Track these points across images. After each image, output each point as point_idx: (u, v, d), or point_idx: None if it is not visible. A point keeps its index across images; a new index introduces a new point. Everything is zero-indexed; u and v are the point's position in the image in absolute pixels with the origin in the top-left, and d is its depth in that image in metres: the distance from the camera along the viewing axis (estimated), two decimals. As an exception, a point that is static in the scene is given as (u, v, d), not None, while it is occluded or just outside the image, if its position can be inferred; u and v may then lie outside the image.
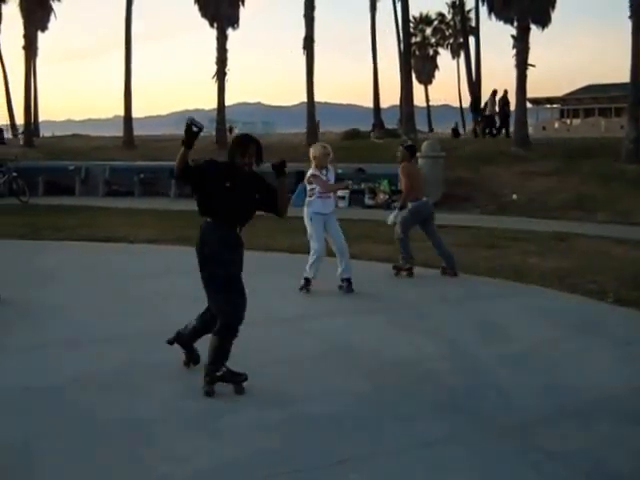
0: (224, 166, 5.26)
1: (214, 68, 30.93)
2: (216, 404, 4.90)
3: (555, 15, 26.43)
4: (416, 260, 9.96)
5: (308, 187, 8.66)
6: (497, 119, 28.96)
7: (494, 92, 29.24)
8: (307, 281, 8.50)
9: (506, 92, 28.01)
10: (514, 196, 19.35)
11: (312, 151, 8.68)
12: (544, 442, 4.35)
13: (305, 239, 9.08)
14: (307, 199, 8.66)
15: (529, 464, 4.07)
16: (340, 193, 19.63)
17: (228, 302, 5.07)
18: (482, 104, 30.64)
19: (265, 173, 5.32)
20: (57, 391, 5.13)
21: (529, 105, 28.24)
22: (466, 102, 45.01)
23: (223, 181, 5.12)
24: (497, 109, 28.77)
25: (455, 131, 36.99)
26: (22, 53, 33.73)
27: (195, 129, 4.93)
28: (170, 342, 5.62)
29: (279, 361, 5.88)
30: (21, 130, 34.59)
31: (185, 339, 5.57)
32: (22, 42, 33.83)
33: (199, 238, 5.16)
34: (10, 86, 42.88)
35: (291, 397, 5.05)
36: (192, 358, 5.63)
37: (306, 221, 8.63)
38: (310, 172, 8.63)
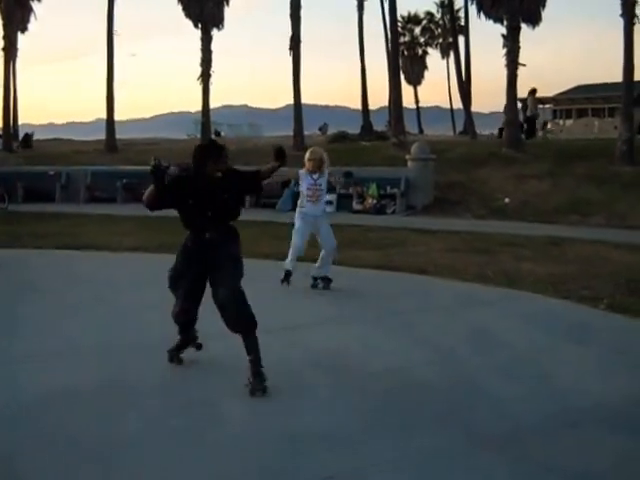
0: (187, 181, 5.38)
1: (199, 70, 30.96)
2: (201, 419, 4.89)
3: (545, 13, 26.52)
4: (407, 265, 9.99)
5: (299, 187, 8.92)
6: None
7: (533, 91, 28.73)
8: (287, 273, 8.82)
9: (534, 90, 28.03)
10: (506, 200, 19.40)
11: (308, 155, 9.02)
12: (537, 452, 4.36)
13: (287, 246, 9.13)
14: (299, 204, 9.01)
15: (523, 475, 4.09)
16: (328, 197, 19.61)
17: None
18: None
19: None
20: (40, 406, 5.10)
21: (520, 105, 28.33)
22: (457, 103, 45.21)
23: (186, 198, 5.33)
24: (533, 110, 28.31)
25: (502, 131, 36.38)
26: (1, 55, 33.64)
27: (162, 169, 5.17)
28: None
29: (267, 371, 5.85)
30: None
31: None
32: (1, 43, 33.74)
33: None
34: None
35: (277, 410, 5.04)
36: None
37: (295, 219, 9.04)
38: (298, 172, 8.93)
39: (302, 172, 8.98)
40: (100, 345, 6.55)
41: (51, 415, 4.94)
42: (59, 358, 6.21)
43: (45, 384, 5.54)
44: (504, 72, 24.48)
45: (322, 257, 8.98)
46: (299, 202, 9.02)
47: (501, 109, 26.93)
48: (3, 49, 33.72)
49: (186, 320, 5.74)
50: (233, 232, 5.62)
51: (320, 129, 40.62)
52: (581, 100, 51.54)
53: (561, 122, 50.64)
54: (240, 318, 5.38)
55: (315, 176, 8.85)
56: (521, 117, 27.58)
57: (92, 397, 5.28)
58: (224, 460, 4.26)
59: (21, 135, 36.79)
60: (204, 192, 5.34)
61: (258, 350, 5.41)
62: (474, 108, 36.42)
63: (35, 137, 37.32)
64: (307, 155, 8.98)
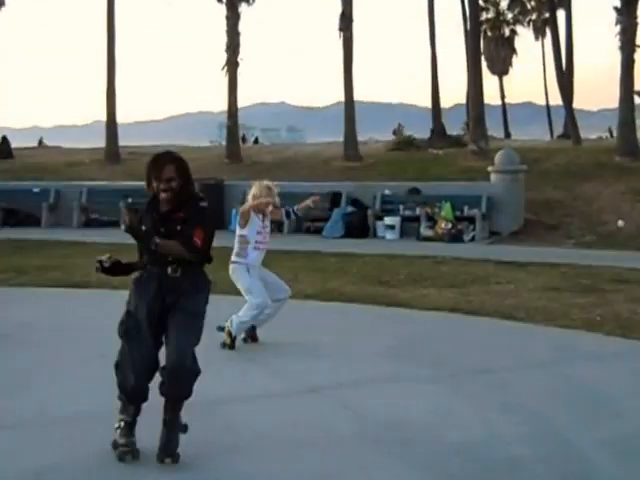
0: (147, 205, 5.62)
1: (224, 58, 31.20)
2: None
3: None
4: (490, 308, 9.93)
5: (238, 231, 8.81)
6: None
7: None
8: (233, 339, 8.69)
9: None
10: (620, 223, 19.19)
11: (252, 190, 8.99)
12: None
13: (336, 282, 9.14)
14: (237, 250, 8.84)
15: None
16: (388, 221, 19.70)
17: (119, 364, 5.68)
18: None
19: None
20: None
21: (638, 100, 28.04)
22: (554, 98, 44.93)
23: (145, 224, 5.50)
24: None
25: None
26: None
27: (105, 264, 5.72)
28: None
29: (308, 444, 5.87)
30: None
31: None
32: None
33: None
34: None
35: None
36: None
37: (238, 275, 8.79)
38: (243, 207, 8.92)
39: (248, 209, 8.89)
40: (96, 410, 6.61)
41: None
42: (43, 427, 6.29)
43: (24, 461, 5.58)
44: (617, 57, 24.28)
45: (272, 307, 8.88)
46: (236, 251, 8.85)
47: (612, 105, 26.77)
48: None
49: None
50: (200, 278, 5.70)
51: (395, 132, 40.52)
52: None
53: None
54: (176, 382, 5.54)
55: (260, 217, 8.87)
56: None
57: (80, 478, 5.35)
58: None
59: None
60: (157, 215, 5.52)
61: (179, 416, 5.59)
62: (577, 105, 36.20)
63: (14, 145, 37.71)
64: (255, 190, 8.92)
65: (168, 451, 5.38)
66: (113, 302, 11.41)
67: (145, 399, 5.64)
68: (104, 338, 9.19)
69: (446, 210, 19.48)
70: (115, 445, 5.52)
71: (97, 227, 22.07)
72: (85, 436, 6.00)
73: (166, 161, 5.42)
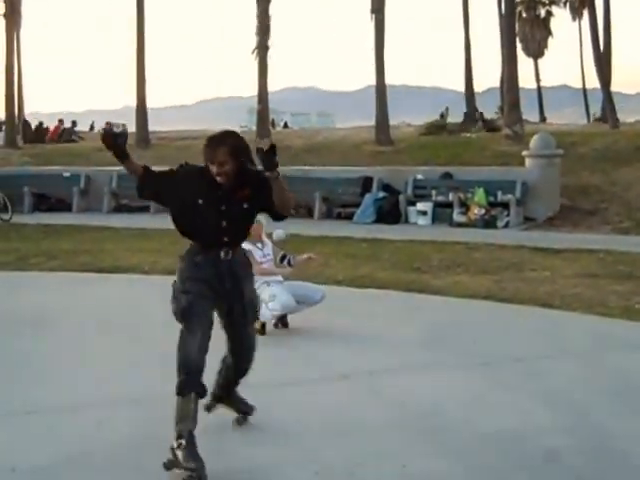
0: (200, 174, 5.34)
1: (254, 42, 31.20)
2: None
3: None
4: (525, 295, 9.85)
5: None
6: None
7: None
8: (263, 325, 8.67)
9: None
10: (659, 208, 19.03)
11: None
12: None
13: (368, 268, 9.09)
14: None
15: None
16: (420, 207, 19.63)
17: (180, 346, 5.22)
18: None
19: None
20: (47, 473, 5.21)
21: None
22: (592, 80, 44.54)
23: (196, 196, 5.26)
24: None
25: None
26: (2, 22, 34.09)
27: (116, 130, 5.30)
28: (208, 409, 5.85)
29: (342, 433, 5.87)
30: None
31: (222, 394, 5.92)
32: (2, 8, 34.18)
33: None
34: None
35: (357, 481, 5.04)
36: (242, 409, 6.05)
37: (259, 287, 8.63)
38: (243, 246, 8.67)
39: (248, 246, 8.70)
40: (124, 396, 6.64)
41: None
42: (72, 413, 6.35)
43: (53, 445, 5.64)
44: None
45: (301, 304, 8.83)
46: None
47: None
48: (4, 15, 34.04)
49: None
50: (245, 258, 5.71)
51: (442, 116, 40.18)
52: None
53: None
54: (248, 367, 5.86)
55: (259, 245, 8.75)
56: None
57: (108, 461, 5.38)
58: None
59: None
60: (218, 193, 5.28)
61: None
62: (615, 87, 35.79)
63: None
64: None
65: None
66: (143, 286, 11.62)
67: (204, 387, 5.26)
68: (134, 323, 9.32)
69: (479, 196, 19.38)
70: (176, 465, 5.00)
71: (127, 213, 22.15)
72: (115, 422, 6.03)
73: (219, 143, 5.20)
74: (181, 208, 5.34)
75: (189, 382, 5.10)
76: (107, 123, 6.08)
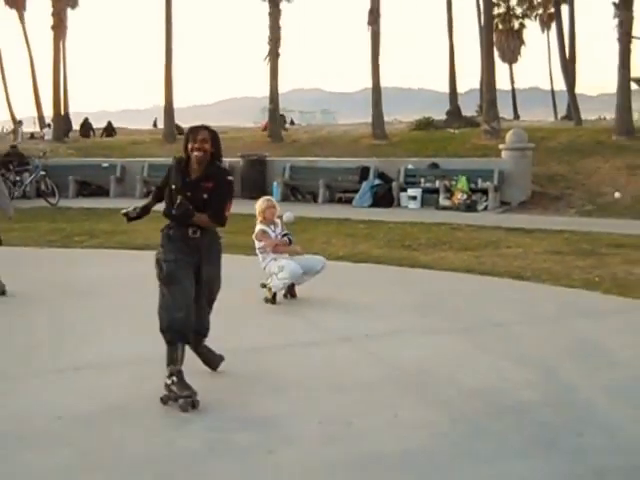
0: (178, 165, 5.71)
1: (266, 49, 31.13)
2: (267, 437, 4.91)
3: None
4: (501, 269, 9.83)
5: (257, 244, 8.68)
6: None
7: None
8: (274, 295, 8.65)
9: None
10: (616, 194, 18.95)
11: (257, 206, 8.78)
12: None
13: (365, 246, 9.06)
14: (262, 256, 8.74)
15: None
16: (411, 193, 19.59)
17: (163, 305, 5.61)
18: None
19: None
20: (88, 421, 5.24)
21: (634, 86, 27.56)
22: (559, 83, 44.33)
23: (172, 183, 5.64)
24: None
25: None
26: (50, 34, 34.08)
27: (132, 215, 6.02)
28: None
29: (341, 388, 5.88)
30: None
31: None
32: (51, 21, 34.11)
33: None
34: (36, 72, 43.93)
35: (356, 430, 5.04)
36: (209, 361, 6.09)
37: (266, 263, 8.68)
38: (258, 228, 8.61)
39: (263, 227, 8.73)
40: (155, 354, 6.64)
41: (100, 430, 5.06)
42: (110, 369, 6.38)
43: (94, 397, 5.68)
44: (615, 47, 23.87)
45: (307, 275, 8.78)
46: (261, 255, 8.78)
47: (610, 91, 26.34)
48: (52, 27, 34.21)
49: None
50: (215, 236, 5.87)
51: (448, 113, 39.78)
52: None
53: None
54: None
55: (272, 227, 8.72)
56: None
57: (143, 411, 5.41)
58: (295, 486, 4.28)
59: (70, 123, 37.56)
60: (186, 180, 5.59)
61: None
62: (579, 90, 35.71)
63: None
64: (261, 205, 8.74)
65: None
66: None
67: (190, 336, 5.62)
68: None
69: (462, 183, 19.32)
70: (173, 398, 5.40)
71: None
72: (147, 377, 6.04)
73: (202, 128, 5.62)
74: (166, 193, 5.73)
75: (175, 336, 5.50)
76: (123, 214, 6.27)
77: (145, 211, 5.99)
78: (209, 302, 5.90)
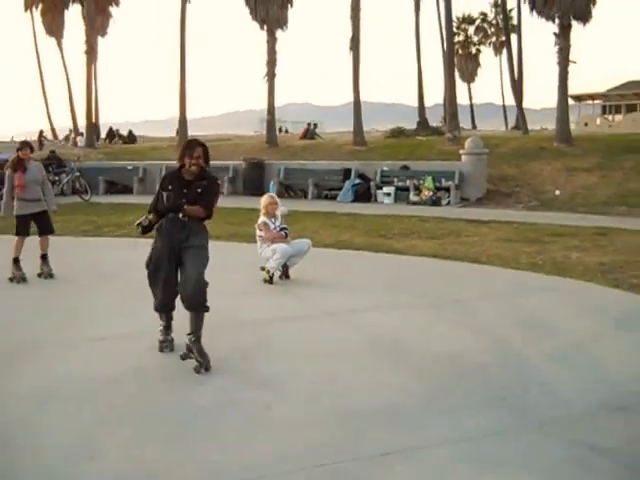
0: (174, 174, 5.83)
1: (264, 69, 30.97)
2: (266, 395, 4.92)
3: (596, 10, 25.71)
4: (462, 254, 9.83)
5: (257, 232, 8.71)
6: None
7: None
8: (271, 277, 8.63)
9: None
10: (557, 192, 19.00)
11: (262, 200, 8.82)
12: (588, 436, 4.26)
13: (347, 235, 9.04)
14: (260, 242, 8.71)
15: (573, 458, 4.00)
16: (386, 190, 19.57)
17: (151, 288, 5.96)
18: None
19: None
20: (115, 381, 5.24)
21: (571, 102, 27.60)
22: (509, 99, 44.31)
23: (169, 185, 5.72)
24: None
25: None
26: (84, 58, 34.37)
27: (145, 224, 5.88)
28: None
29: (326, 354, 5.88)
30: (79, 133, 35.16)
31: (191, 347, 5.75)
32: (84, 48, 34.46)
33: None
34: (72, 89, 43.86)
35: (338, 390, 5.05)
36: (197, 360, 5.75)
37: (262, 249, 8.66)
38: (260, 219, 8.62)
39: (265, 219, 8.70)
40: (176, 327, 6.63)
41: (129, 389, 5.05)
42: (139, 337, 6.36)
43: (125, 361, 5.68)
44: (555, 69, 23.92)
45: (296, 257, 8.77)
46: (261, 245, 8.70)
47: (551, 105, 26.38)
48: (85, 52, 34.36)
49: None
50: (201, 223, 5.84)
51: (442, 121, 39.70)
52: (630, 96, 50.10)
53: (610, 117, 49.33)
54: (195, 297, 5.54)
55: (273, 220, 8.73)
56: None
57: (168, 373, 5.40)
58: (286, 436, 4.28)
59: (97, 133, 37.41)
60: (182, 182, 5.68)
61: (201, 329, 5.60)
62: (526, 104, 35.52)
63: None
64: (265, 200, 8.76)
65: (206, 364, 5.45)
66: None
67: (172, 309, 5.94)
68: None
69: (428, 182, 19.31)
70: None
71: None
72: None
73: (197, 145, 5.71)
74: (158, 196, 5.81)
75: (161, 310, 5.98)
76: (137, 224, 6.30)
77: (152, 225, 5.93)
78: (197, 274, 5.58)
